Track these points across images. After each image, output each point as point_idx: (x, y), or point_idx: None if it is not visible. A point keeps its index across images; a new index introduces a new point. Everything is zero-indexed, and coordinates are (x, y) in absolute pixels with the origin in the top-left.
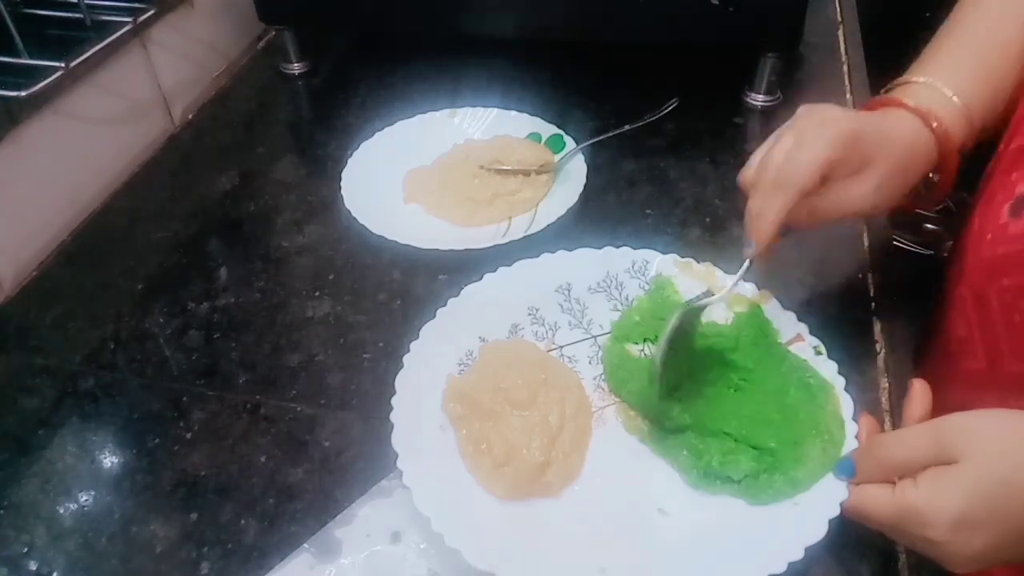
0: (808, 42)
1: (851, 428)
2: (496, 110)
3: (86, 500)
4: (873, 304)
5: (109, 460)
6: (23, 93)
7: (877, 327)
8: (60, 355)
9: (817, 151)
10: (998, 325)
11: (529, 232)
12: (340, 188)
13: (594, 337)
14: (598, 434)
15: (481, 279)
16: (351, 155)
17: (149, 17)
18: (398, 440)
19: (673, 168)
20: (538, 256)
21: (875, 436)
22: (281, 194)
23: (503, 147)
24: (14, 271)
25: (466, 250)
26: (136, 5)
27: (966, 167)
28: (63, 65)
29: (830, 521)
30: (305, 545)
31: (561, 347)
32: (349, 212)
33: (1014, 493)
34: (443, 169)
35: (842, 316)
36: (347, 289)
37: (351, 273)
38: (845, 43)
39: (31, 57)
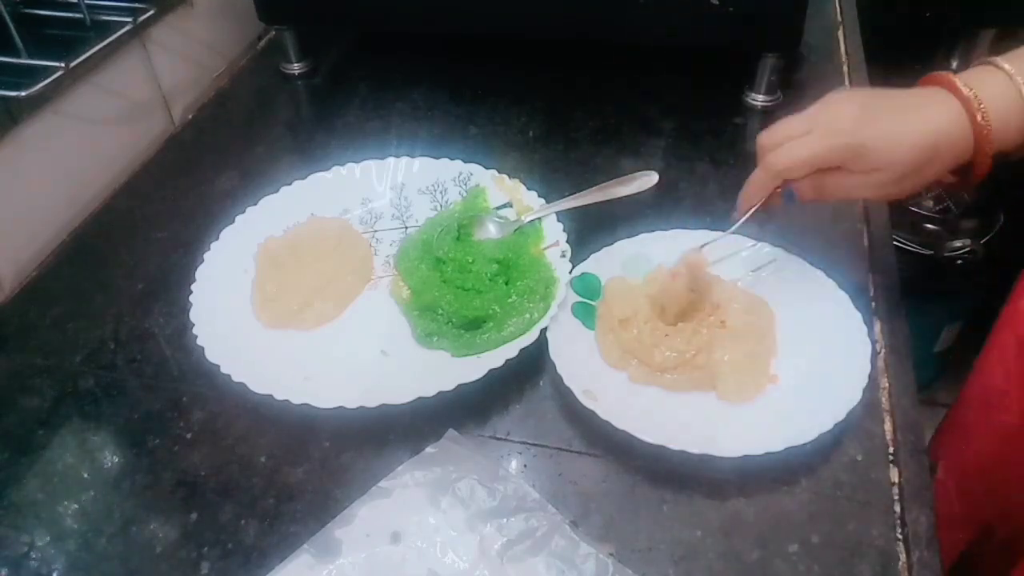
0: (808, 42)
1: (561, 293)
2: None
3: (86, 500)
4: (873, 304)
5: (109, 460)
6: (23, 93)
7: (877, 327)
8: (60, 355)
9: (806, 154)
10: None
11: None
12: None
13: (406, 228)
14: (368, 294)
15: (330, 169)
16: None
17: (149, 17)
18: (201, 272)
19: (673, 168)
20: (384, 159)
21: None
22: None
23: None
24: (14, 271)
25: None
26: (136, 5)
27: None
28: (63, 65)
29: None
30: (305, 545)
31: (376, 231)
32: None
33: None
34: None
35: None
36: None
37: None
38: (845, 43)
39: (31, 57)
